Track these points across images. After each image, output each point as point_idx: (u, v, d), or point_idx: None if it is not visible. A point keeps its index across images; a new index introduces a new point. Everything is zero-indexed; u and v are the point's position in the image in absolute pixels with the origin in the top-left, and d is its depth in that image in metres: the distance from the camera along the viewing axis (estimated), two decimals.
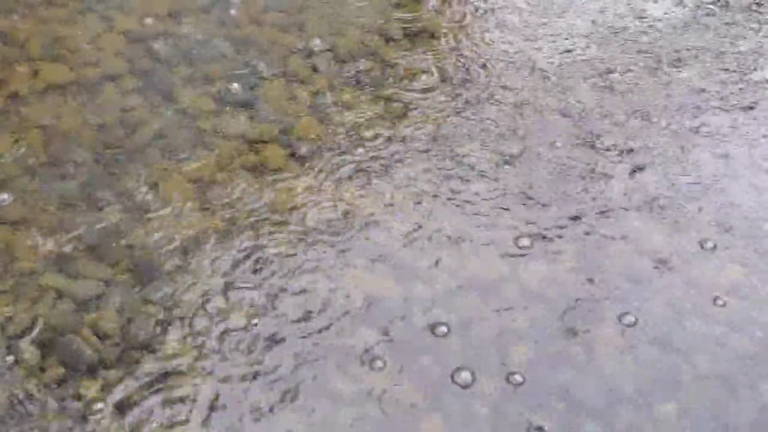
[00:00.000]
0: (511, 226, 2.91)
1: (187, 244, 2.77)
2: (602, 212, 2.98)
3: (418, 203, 2.98)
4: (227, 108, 3.27)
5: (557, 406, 2.42)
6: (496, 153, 3.19)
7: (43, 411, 2.32)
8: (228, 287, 2.67)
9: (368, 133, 3.23)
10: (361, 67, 3.52)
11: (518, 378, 2.48)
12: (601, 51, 3.73)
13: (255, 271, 2.72)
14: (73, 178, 2.95)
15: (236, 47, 3.54)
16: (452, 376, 2.47)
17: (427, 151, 3.18)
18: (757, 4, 4.01)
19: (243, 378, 2.44)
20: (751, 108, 3.47)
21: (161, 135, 3.13)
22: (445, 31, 3.78)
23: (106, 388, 2.38)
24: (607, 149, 3.23)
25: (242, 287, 2.67)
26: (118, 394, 2.37)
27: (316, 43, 3.60)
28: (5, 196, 2.84)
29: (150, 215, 2.85)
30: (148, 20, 3.61)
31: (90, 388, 2.38)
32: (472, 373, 2.48)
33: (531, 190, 3.05)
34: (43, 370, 2.40)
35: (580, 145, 3.25)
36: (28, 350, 2.44)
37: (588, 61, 3.67)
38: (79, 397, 2.35)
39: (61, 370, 2.40)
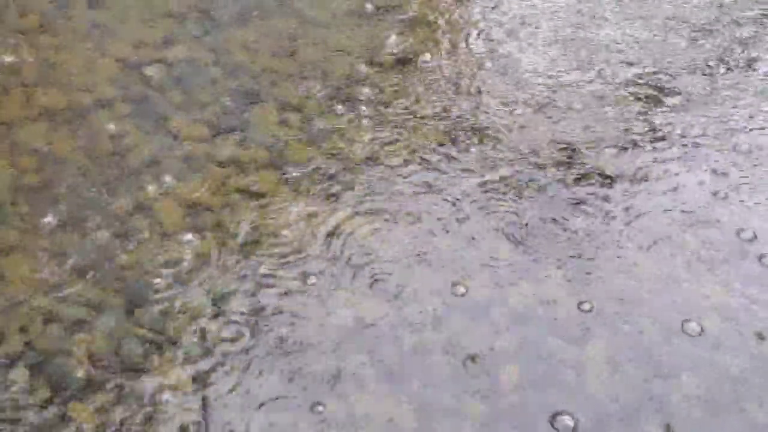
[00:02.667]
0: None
1: (178, 268, 2.78)
2: None
3: (411, 227, 3.00)
4: (219, 133, 3.30)
5: None
6: (486, 177, 3.22)
7: None
8: (219, 310, 2.68)
9: (359, 158, 3.26)
10: (351, 93, 3.56)
11: None
12: None
13: (246, 294, 2.73)
14: (64, 203, 2.96)
15: (228, 73, 3.58)
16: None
17: (418, 174, 3.21)
18: None
19: (233, 401, 2.44)
20: None
21: (153, 160, 3.16)
22: (435, 57, 3.82)
23: (95, 411, 2.38)
24: None
25: (233, 310, 2.68)
26: (107, 417, 2.37)
27: (308, 69, 3.64)
28: None
29: (141, 239, 2.86)
30: (141, 47, 3.65)
31: (79, 411, 2.38)
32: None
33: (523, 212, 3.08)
34: (32, 392, 2.40)
35: None
36: (18, 373, 2.44)
37: None
38: (67, 420, 2.35)
39: (50, 393, 2.40)
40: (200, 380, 2.48)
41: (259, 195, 3.08)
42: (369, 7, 4.04)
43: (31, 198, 2.97)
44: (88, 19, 3.76)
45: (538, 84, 3.68)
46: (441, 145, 3.34)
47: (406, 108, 3.51)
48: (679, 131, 3.40)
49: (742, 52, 3.78)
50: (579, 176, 3.21)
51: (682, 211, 3.07)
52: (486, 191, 3.15)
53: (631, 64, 3.77)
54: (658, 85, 3.64)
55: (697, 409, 2.47)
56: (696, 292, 2.78)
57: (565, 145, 3.35)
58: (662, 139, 3.37)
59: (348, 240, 2.93)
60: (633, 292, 2.79)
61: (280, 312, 2.69)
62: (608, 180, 3.19)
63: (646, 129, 3.42)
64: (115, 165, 3.12)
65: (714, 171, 3.24)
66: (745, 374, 2.56)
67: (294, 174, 3.17)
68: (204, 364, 2.52)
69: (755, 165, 3.26)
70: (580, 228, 3.00)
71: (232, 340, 2.60)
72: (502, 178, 3.20)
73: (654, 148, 3.33)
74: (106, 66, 3.55)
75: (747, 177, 3.21)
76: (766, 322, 2.70)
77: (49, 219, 2.90)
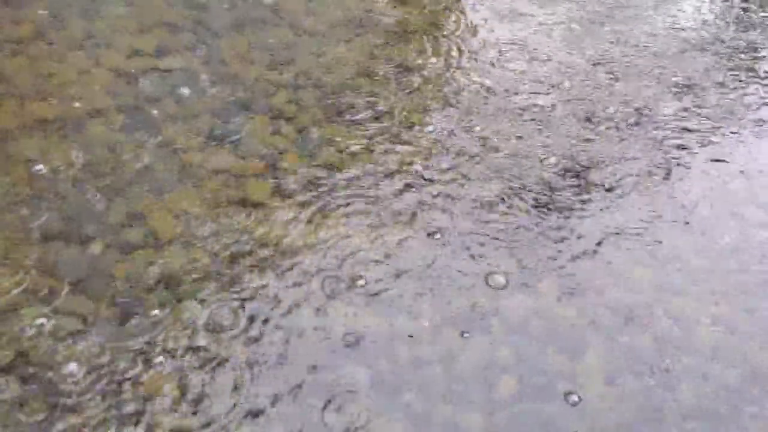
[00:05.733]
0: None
1: (171, 279, 2.77)
2: None
3: (403, 238, 3.00)
4: (213, 143, 3.29)
5: None
6: (480, 188, 3.22)
7: None
8: (212, 322, 2.66)
9: (353, 168, 3.26)
10: (346, 103, 3.55)
11: None
12: None
13: (239, 305, 2.72)
14: (57, 213, 2.95)
15: (222, 83, 3.58)
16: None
17: (412, 185, 3.21)
18: None
19: (226, 415, 2.43)
20: None
21: (146, 170, 3.15)
22: (430, 68, 3.82)
23: (88, 424, 2.36)
24: None
25: (226, 321, 2.67)
26: (100, 429, 2.36)
27: (302, 79, 3.64)
28: None
29: (134, 250, 2.85)
30: (135, 57, 3.64)
31: (71, 425, 2.36)
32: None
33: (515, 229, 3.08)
34: (23, 405, 2.39)
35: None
36: (9, 386, 2.43)
37: None
38: None
39: (43, 406, 2.39)
40: (192, 392, 2.48)
41: (253, 204, 3.07)
42: (363, 17, 4.04)
43: (24, 208, 2.95)
44: (82, 28, 3.75)
45: None
46: (430, 159, 3.34)
47: (400, 116, 3.51)
48: None
49: None
50: None
51: None
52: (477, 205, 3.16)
53: None
54: None
55: None
56: None
57: None
58: None
59: (341, 248, 2.93)
60: None
61: (274, 323, 2.68)
62: None
63: None
64: (108, 175, 3.11)
65: None
66: None
67: (287, 184, 3.16)
68: (196, 376, 2.51)
69: None
70: None
71: (225, 350, 2.59)
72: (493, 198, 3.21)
73: None
74: (100, 76, 3.54)
75: None
76: None
77: (41, 229, 2.89)
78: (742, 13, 4.19)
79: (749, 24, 4.26)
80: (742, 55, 4.05)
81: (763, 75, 3.94)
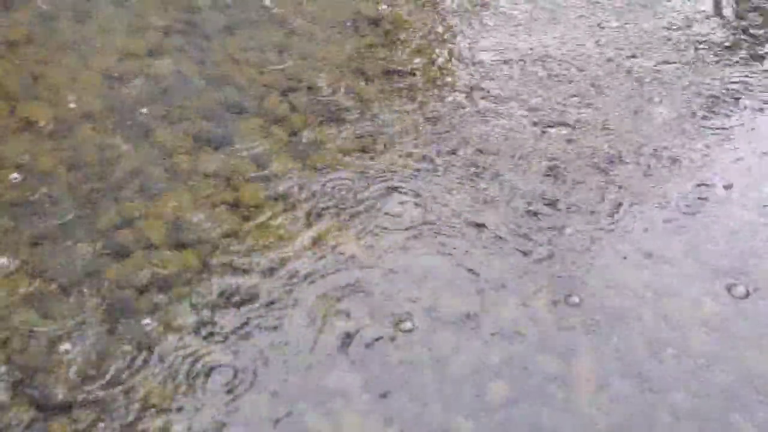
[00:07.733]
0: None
1: (162, 282, 2.76)
2: None
3: (395, 242, 2.99)
4: (204, 145, 3.28)
5: None
6: (473, 194, 3.21)
7: None
8: (203, 325, 2.65)
9: (345, 171, 3.25)
10: (338, 105, 3.55)
11: None
12: None
13: (231, 309, 2.71)
14: (48, 216, 2.94)
15: (213, 85, 3.57)
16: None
17: (404, 188, 3.20)
18: None
19: (219, 418, 2.42)
20: None
21: (137, 172, 3.13)
22: (421, 68, 3.82)
23: (78, 429, 2.35)
24: None
25: (218, 325, 2.66)
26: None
27: (294, 81, 3.64)
28: None
29: (125, 253, 2.84)
30: (127, 60, 3.63)
31: (61, 429, 2.35)
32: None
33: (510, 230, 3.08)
34: (12, 409, 2.37)
35: None
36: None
37: None
38: None
39: (32, 410, 2.38)
40: (183, 397, 2.47)
41: (245, 207, 3.06)
42: (355, 19, 4.04)
43: (14, 212, 2.94)
44: (73, 31, 3.74)
45: None
46: (422, 159, 3.34)
47: (393, 118, 3.51)
48: None
49: None
50: None
51: None
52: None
53: None
54: None
55: None
56: None
57: None
58: None
59: (334, 252, 2.92)
60: None
61: (266, 326, 2.67)
62: None
63: None
64: (99, 178, 3.10)
65: None
66: None
67: (280, 187, 3.15)
68: (188, 379, 2.50)
69: None
70: None
71: (217, 354, 2.58)
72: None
73: None
74: (91, 78, 3.53)
75: None
76: None
77: (31, 232, 2.87)
78: None
79: None
80: None
81: None
